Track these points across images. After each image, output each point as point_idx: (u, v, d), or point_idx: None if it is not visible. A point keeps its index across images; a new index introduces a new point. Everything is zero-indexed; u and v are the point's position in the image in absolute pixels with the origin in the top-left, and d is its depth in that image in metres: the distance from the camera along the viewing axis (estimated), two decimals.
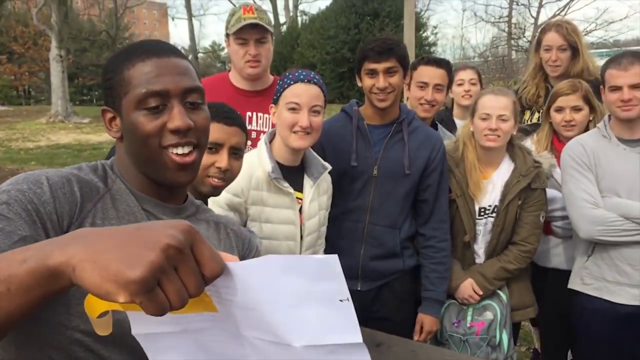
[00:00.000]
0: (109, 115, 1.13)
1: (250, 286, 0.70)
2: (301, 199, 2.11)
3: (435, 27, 27.13)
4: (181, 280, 0.64)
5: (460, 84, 3.27)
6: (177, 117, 1.05)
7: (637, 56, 2.37)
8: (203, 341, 0.79)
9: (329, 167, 2.16)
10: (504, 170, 2.58)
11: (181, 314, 0.72)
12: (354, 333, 0.72)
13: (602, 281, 2.46)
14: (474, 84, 3.32)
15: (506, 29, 31.58)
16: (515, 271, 2.58)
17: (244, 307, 0.72)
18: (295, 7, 33.26)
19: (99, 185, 1.10)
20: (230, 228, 1.31)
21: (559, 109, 2.75)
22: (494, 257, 2.59)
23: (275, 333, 0.73)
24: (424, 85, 2.75)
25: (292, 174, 2.09)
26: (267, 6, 34.08)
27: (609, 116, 2.47)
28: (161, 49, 1.11)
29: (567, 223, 2.70)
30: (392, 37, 2.47)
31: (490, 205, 2.58)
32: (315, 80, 2.05)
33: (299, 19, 32.56)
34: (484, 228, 2.59)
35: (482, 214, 2.59)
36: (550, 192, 2.70)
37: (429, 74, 2.74)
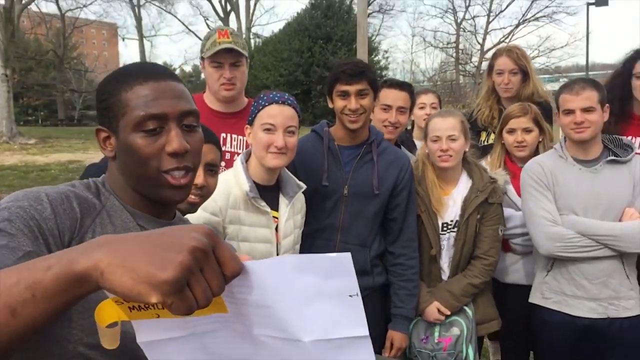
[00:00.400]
0: (104, 134, 1.15)
1: (264, 284, 0.73)
2: (277, 218, 2.14)
3: (386, 52, 27.76)
4: (206, 280, 0.68)
5: (422, 107, 3.40)
6: (174, 140, 1.09)
7: (588, 82, 2.53)
8: (209, 343, 0.81)
9: (304, 187, 2.20)
10: (462, 186, 2.70)
11: (191, 317, 0.74)
12: (360, 327, 0.75)
13: (561, 295, 2.56)
14: (434, 108, 3.45)
15: (454, 55, 32.71)
16: (481, 285, 2.67)
17: (258, 305, 0.75)
18: (248, 29, 33.41)
19: (94, 201, 1.12)
20: None
21: (511, 131, 2.89)
22: (460, 274, 2.68)
23: (286, 330, 0.76)
24: (387, 108, 2.83)
25: (267, 193, 2.12)
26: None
27: (565, 138, 2.61)
28: (158, 72, 1.14)
29: (525, 240, 2.82)
30: (362, 61, 2.55)
31: (452, 220, 2.68)
32: (289, 102, 2.10)
33: (252, 41, 32.72)
34: (447, 243, 2.69)
35: (445, 228, 2.68)
36: (508, 211, 2.82)
37: (392, 96, 2.82)
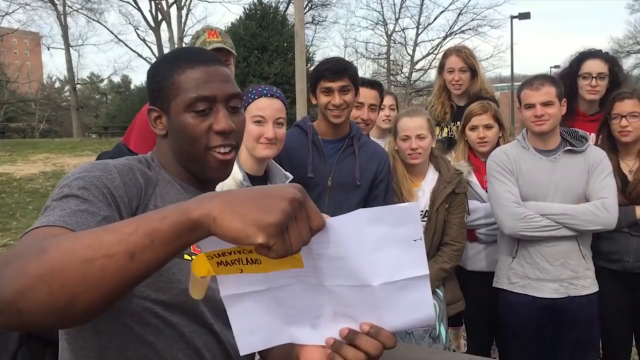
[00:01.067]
0: (155, 114, 1.24)
1: (341, 238, 0.81)
2: None
3: None
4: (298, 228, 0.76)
5: (381, 109, 3.55)
6: (222, 120, 1.18)
7: (547, 78, 2.78)
8: (282, 297, 0.89)
9: (291, 177, 2.29)
10: (430, 178, 2.89)
11: (272, 272, 0.83)
12: (422, 267, 0.84)
13: (526, 279, 2.77)
14: (392, 109, 3.63)
15: (385, 65, 33.50)
16: (451, 269, 2.86)
17: (333, 258, 0.83)
18: (180, 39, 32.95)
19: (150, 173, 1.21)
20: None
21: (473, 128, 3.11)
22: (430, 260, 2.85)
23: (358, 277, 0.84)
24: (360, 105, 2.97)
25: (256, 183, 2.20)
26: (150, 37, 33.51)
27: (527, 130, 2.83)
28: (208, 57, 1.23)
29: (490, 229, 3.04)
30: (344, 58, 2.68)
31: (422, 211, 2.85)
32: (277, 95, 2.20)
33: None
34: None
35: None
36: (473, 203, 3.03)
37: (364, 94, 2.94)
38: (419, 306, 0.87)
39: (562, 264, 2.71)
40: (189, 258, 1.13)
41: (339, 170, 2.55)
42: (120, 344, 1.10)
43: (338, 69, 2.45)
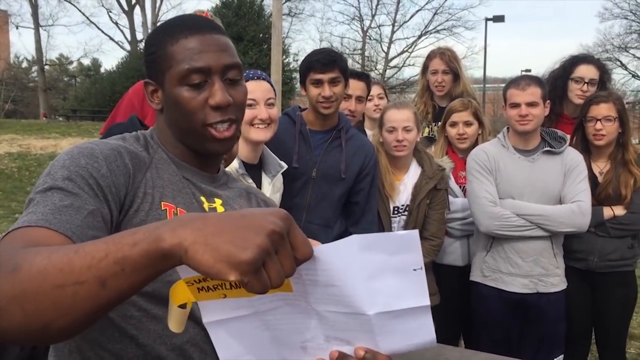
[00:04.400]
0: (151, 87, 1.18)
1: (332, 266, 0.76)
2: None
3: (296, 55, 28.00)
4: (280, 262, 0.70)
5: (370, 99, 3.59)
6: (217, 94, 1.10)
7: (533, 79, 2.84)
8: (270, 320, 0.83)
9: (285, 166, 2.31)
10: (413, 173, 2.93)
11: (256, 296, 0.77)
12: (422, 297, 0.80)
13: (498, 273, 2.85)
14: (381, 98, 3.68)
15: (360, 61, 33.56)
16: (428, 264, 2.90)
17: (325, 285, 0.78)
18: (154, 24, 32.43)
19: (144, 155, 1.14)
20: (260, 198, 1.38)
21: (453, 124, 3.17)
22: None
23: (351, 305, 0.79)
24: (347, 97, 2.99)
25: (251, 171, 2.21)
26: (123, 21, 32.90)
27: (508, 128, 2.90)
28: (203, 25, 1.14)
29: (464, 224, 3.11)
30: (333, 50, 2.69)
31: (402, 205, 2.90)
32: (263, 77, 2.22)
33: None
34: (397, 225, 2.90)
35: (396, 212, 2.89)
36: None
37: (351, 86, 2.93)
38: (418, 332, 0.84)
39: (534, 261, 2.79)
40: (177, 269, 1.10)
41: (324, 161, 2.57)
42: (99, 336, 1.06)
43: (328, 61, 2.46)
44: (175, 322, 0.81)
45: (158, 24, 31.71)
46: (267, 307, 0.82)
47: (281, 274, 0.70)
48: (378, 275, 0.77)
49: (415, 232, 0.77)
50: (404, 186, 2.90)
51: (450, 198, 3.09)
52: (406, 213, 2.88)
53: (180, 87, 1.11)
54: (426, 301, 0.81)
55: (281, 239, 0.70)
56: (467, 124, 3.15)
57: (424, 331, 0.83)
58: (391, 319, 0.81)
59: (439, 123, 3.44)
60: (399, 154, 2.84)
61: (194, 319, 1.10)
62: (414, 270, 0.78)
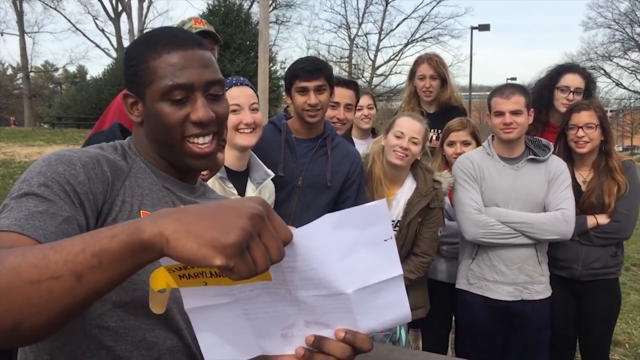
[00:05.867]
0: (131, 100, 1.17)
1: (308, 249, 0.77)
2: None
3: (283, 62, 28.02)
4: (264, 245, 0.71)
5: (359, 109, 3.58)
6: (200, 110, 1.10)
7: (517, 87, 2.86)
8: (250, 309, 0.84)
9: (272, 174, 2.29)
10: (407, 189, 2.86)
11: (236, 285, 0.78)
12: (395, 267, 0.83)
13: (483, 280, 2.86)
14: (371, 108, 3.66)
15: (347, 69, 33.68)
16: (416, 279, 2.87)
17: (303, 270, 0.79)
18: (141, 32, 32.34)
19: (122, 163, 1.13)
20: None
21: (451, 143, 3.19)
22: None
23: (330, 286, 0.80)
24: (335, 105, 2.98)
25: (237, 179, 2.20)
26: (109, 28, 32.74)
27: (492, 136, 2.92)
28: (186, 40, 1.13)
29: (451, 247, 3.12)
30: (319, 58, 2.70)
31: (393, 220, 2.85)
32: (246, 83, 2.24)
33: None
34: None
35: None
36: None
37: (339, 94, 2.95)
38: (395, 305, 0.86)
39: (518, 268, 2.80)
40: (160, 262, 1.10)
41: (310, 170, 2.56)
42: (75, 347, 1.03)
43: (313, 69, 2.46)
44: (156, 304, 0.82)
45: (145, 31, 31.64)
46: (247, 295, 0.82)
47: (266, 257, 0.70)
48: (352, 252, 0.79)
49: (382, 202, 0.78)
50: (397, 202, 2.83)
51: (445, 221, 3.03)
52: (396, 229, 2.84)
53: (162, 102, 1.10)
54: (399, 270, 0.83)
55: (262, 222, 0.71)
56: (465, 143, 3.17)
57: (399, 304, 0.86)
58: (368, 295, 0.82)
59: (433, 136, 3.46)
60: (397, 162, 2.75)
61: (173, 329, 1.11)
62: (385, 240, 0.80)
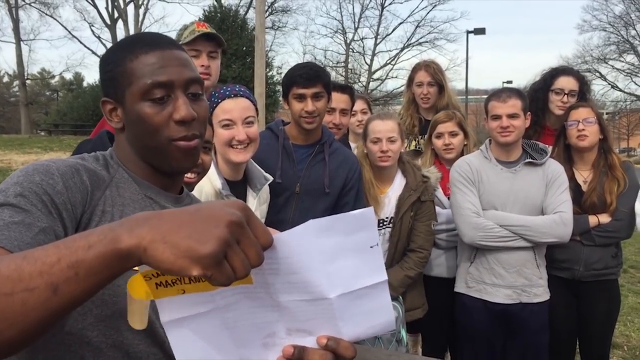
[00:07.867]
0: (109, 106, 1.14)
1: (292, 253, 0.76)
2: None
3: (280, 67, 28.06)
4: (243, 251, 0.70)
5: (353, 114, 3.60)
6: (182, 108, 1.08)
7: (514, 91, 2.88)
8: (230, 318, 0.82)
9: (271, 179, 2.29)
10: (397, 185, 2.92)
11: (218, 289, 0.76)
12: (380, 273, 0.82)
13: (482, 284, 2.86)
14: (365, 113, 3.68)
15: (343, 74, 33.73)
16: (416, 276, 2.90)
17: (286, 274, 0.78)
18: None
19: (103, 173, 1.11)
20: None
21: (439, 135, 3.20)
22: (397, 265, 2.89)
23: (313, 291, 0.79)
24: (331, 110, 3.00)
25: (235, 188, 2.18)
26: (106, 35, 32.73)
27: (490, 140, 2.93)
28: (162, 40, 1.13)
29: (450, 235, 3.12)
30: (316, 64, 2.70)
31: (387, 217, 2.89)
32: (242, 93, 2.17)
33: None
34: (382, 238, 2.89)
35: (381, 225, 2.89)
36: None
37: (335, 99, 2.96)
38: (379, 312, 0.85)
39: (517, 272, 2.81)
40: (137, 269, 1.11)
41: (307, 176, 2.55)
42: None
43: (311, 75, 2.45)
44: (135, 317, 0.80)
45: None
46: (226, 301, 0.80)
47: (246, 263, 0.70)
48: (337, 257, 0.78)
49: (370, 210, 0.78)
50: (388, 199, 2.89)
51: (438, 209, 3.09)
52: (390, 225, 2.87)
53: (143, 102, 1.08)
54: (383, 276, 0.82)
55: (241, 229, 0.70)
56: (453, 134, 3.18)
57: (383, 311, 0.85)
58: (352, 301, 0.81)
59: (425, 136, 3.47)
60: (383, 164, 2.82)
61: (157, 343, 1.08)
62: (371, 247, 0.80)
